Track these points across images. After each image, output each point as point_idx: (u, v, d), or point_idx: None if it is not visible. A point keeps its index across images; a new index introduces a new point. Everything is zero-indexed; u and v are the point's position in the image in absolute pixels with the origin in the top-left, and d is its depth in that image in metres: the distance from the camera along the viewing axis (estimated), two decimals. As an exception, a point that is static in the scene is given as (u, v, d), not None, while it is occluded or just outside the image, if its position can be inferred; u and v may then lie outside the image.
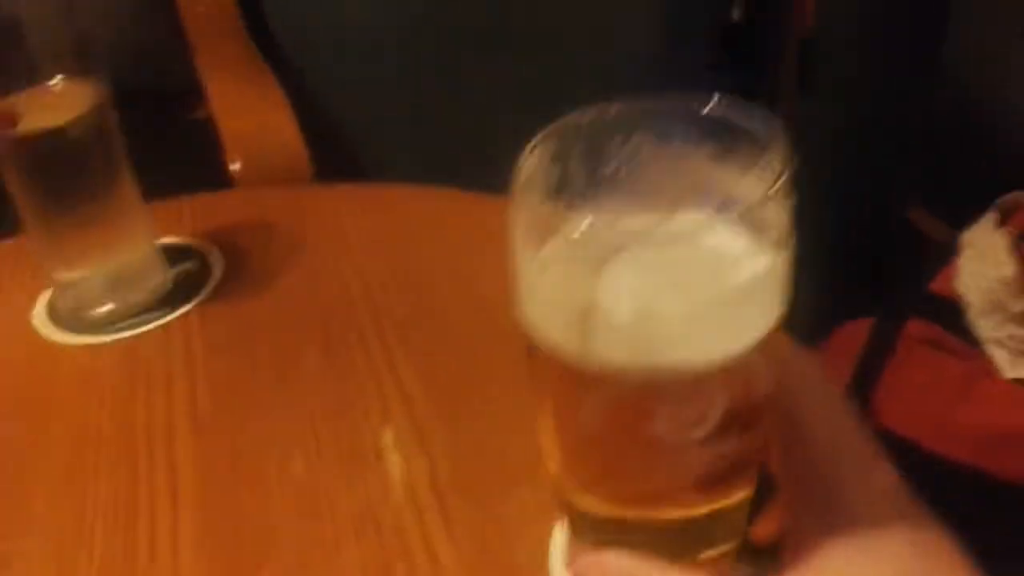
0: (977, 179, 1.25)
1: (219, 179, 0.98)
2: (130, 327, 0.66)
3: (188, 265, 0.71)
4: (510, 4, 1.60)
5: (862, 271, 1.39)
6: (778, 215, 0.34)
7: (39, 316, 0.68)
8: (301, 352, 0.62)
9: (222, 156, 1.00)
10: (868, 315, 1.02)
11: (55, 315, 0.67)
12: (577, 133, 0.37)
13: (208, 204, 0.79)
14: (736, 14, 1.77)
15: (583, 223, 0.35)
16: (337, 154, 1.54)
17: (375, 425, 0.56)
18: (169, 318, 0.66)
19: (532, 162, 0.36)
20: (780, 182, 0.33)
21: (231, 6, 1.31)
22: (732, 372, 0.34)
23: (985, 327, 0.88)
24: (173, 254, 0.71)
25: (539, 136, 0.36)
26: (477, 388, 0.57)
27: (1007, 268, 0.87)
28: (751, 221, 0.33)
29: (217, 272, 0.70)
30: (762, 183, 0.34)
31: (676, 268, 0.33)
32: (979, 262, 0.89)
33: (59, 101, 0.60)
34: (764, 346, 0.34)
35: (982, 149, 1.25)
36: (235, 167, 0.97)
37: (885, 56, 1.15)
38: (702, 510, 0.38)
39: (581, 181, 0.37)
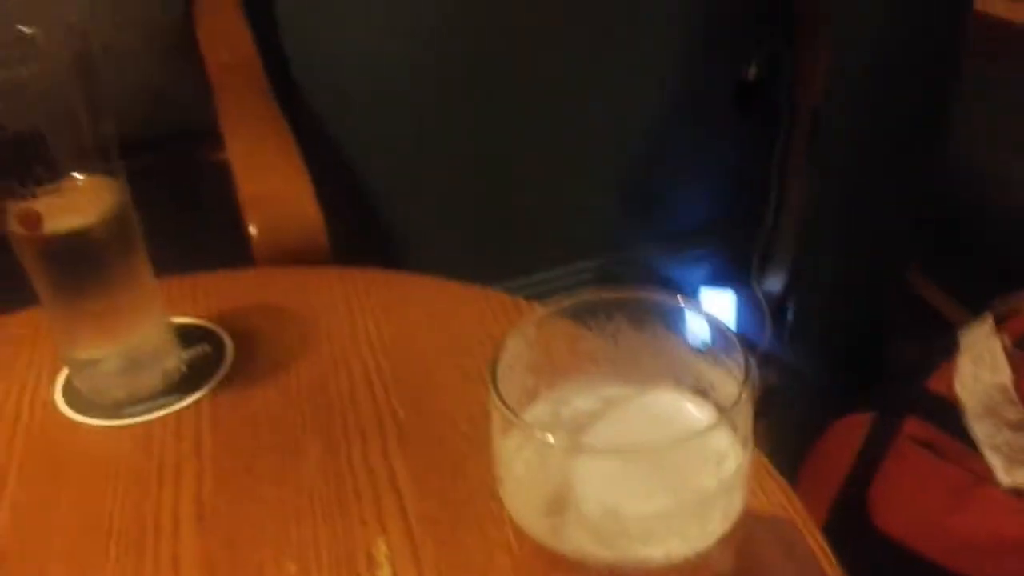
0: (979, 248, 1.27)
1: (233, 225, 1.01)
2: (144, 412, 0.68)
3: (201, 348, 0.74)
4: (536, 64, 1.63)
5: (862, 335, 1.41)
6: (746, 417, 0.36)
7: (56, 394, 0.71)
8: (304, 448, 0.64)
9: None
10: (866, 388, 1.03)
11: (70, 394, 0.70)
12: (557, 318, 0.40)
13: (223, 283, 0.82)
14: (752, 74, 1.80)
15: (556, 410, 0.37)
16: (359, 221, 1.57)
17: (370, 533, 0.58)
18: (182, 404, 0.69)
19: (509, 349, 0.38)
20: (748, 387, 0.35)
21: (254, 58, 1.34)
22: (697, 564, 0.36)
23: (981, 431, 0.90)
24: (187, 335, 0.74)
25: (517, 326, 0.39)
26: (470, 504, 0.59)
27: (1003, 375, 0.89)
28: (724, 421, 0.36)
29: (229, 356, 0.73)
30: (734, 381, 0.37)
31: (645, 467, 0.36)
32: (976, 366, 0.91)
33: (82, 199, 0.63)
34: (728, 539, 0.37)
35: (983, 219, 1.26)
36: (253, 231, 1.00)
37: (890, 129, 1.17)
38: None
39: (563, 364, 0.40)
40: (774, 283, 1.88)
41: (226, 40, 1.34)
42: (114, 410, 0.68)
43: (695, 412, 0.39)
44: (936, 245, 1.25)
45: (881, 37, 1.06)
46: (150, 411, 0.68)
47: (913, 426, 0.95)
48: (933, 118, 1.08)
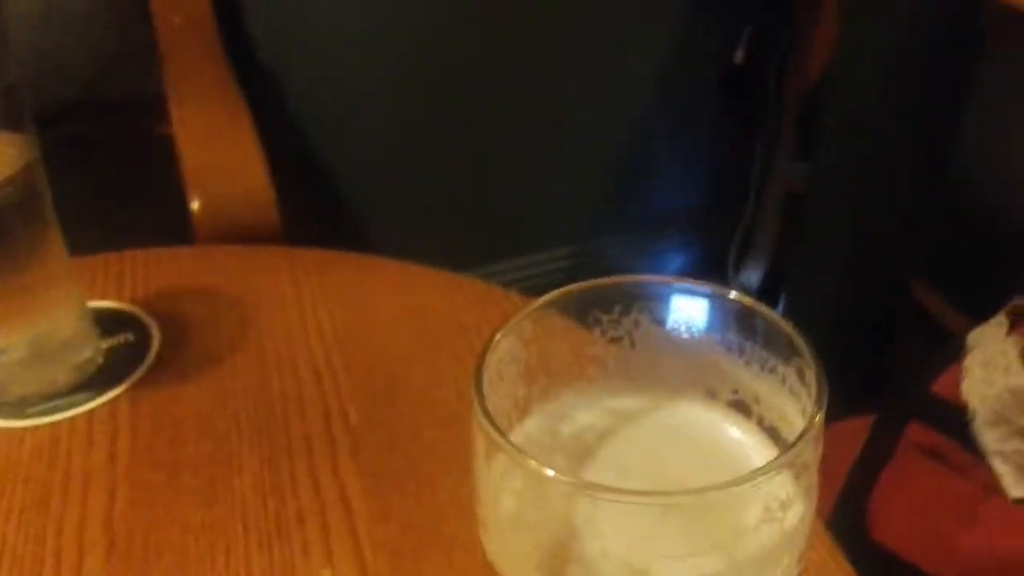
0: (982, 256, 1.20)
1: (181, 205, 0.91)
2: (50, 411, 0.58)
3: (123, 337, 0.64)
4: (511, 44, 1.54)
5: (863, 344, 1.34)
6: (815, 451, 0.27)
7: (-52, 388, 0.60)
8: (239, 460, 0.55)
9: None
10: (867, 395, 0.96)
11: (-33, 390, 0.60)
12: (557, 311, 0.30)
13: (154, 262, 0.71)
14: (739, 57, 1.71)
15: (558, 432, 0.28)
16: (310, 202, 1.47)
17: (314, 564, 0.49)
18: (95, 403, 0.59)
19: (500, 351, 0.29)
20: (821, 410, 0.26)
21: (209, 21, 1.24)
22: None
23: (990, 439, 0.82)
24: (108, 322, 0.64)
25: (512, 320, 0.29)
26: (435, 529, 0.50)
27: (1017, 378, 0.81)
28: (786, 459, 0.26)
29: (154, 348, 0.63)
30: (792, 399, 0.27)
31: (680, 515, 0.26)
32: (987, 368, 0.84)
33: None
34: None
35: (987, 226, 1.19)
36: (194, 206, 0.90)
37: (896, 119, 1.09)
38: None
39: (563, 369, 0.31)
40: (751, 277, 1.80)
41: (180, 2, 1.23)
42: (15, 409, 0.58)
43: (735, 434, 0.30)
44: (939, 251, 1.18)
45: (894, 24, 0.98)
46: (57, 411, 0.58)
47: (916, 432, 0.88)
48: (943, 115, 1.00)
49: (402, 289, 0.69)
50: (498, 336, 0.28)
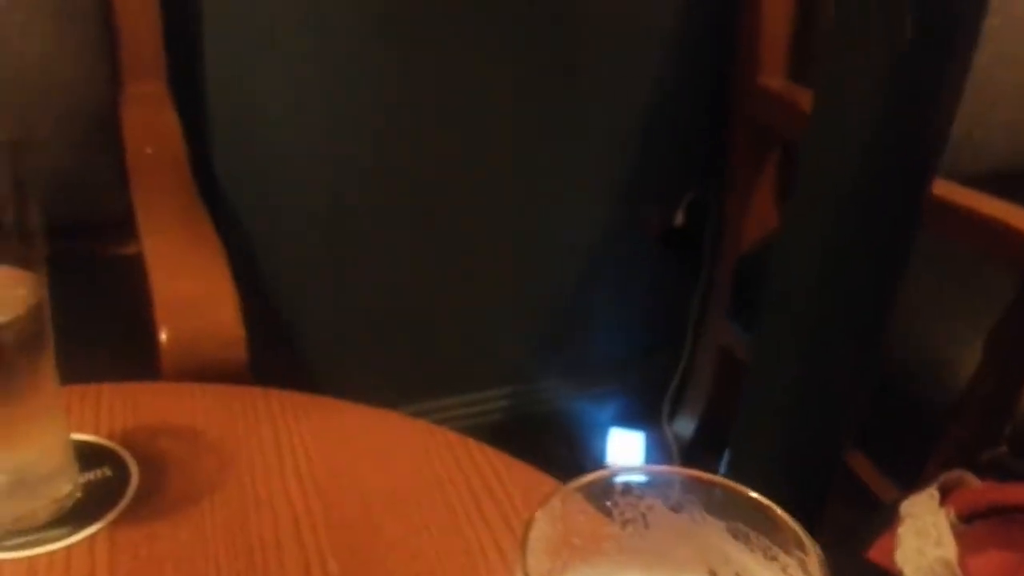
0: (912, 429, 1.26)
1: (141, 327, 0.92)
2: (26, 545, 0.58)
3: (101, 471, 0.64)
4: (463, 188, 1.61)
5: (798, 508, 1.38)
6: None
7: (-77, 515, 0.60)
8: (218, 604, 0.56)
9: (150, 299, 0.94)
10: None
11: (-58, 517, 0.60)
12: (587, 489, 0.34)
13: (131, 396, 0.73)
14: (679, 218, 1.81)
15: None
16: (273, 337, 1.50)
17: None
18: (73, 539, 0.59)
19: (536, 529, 0.32)
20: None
21: (180, 153, 1.27)
22: None
23: (923, 607, 0.86)
24: (86, 456, 0.65)
25: (547, 501, 0.33)
26: None
27: (948, 550, 0.86)
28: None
29: (133, 484, 0.63)
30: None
31: None
32: (919, 539, 0.88)
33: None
34: None
35: (913, 400, 1.26)
36: (163, 338, 0.91)
37: (835, 295, 1.17)
38: None
39: (583, 547, 0.34)
40: (685, 428, 1.86)
41: (153, 131, 1.26)
42: (-8, 541, 0.58)
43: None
44: (872, 421, 1.24)
45: (833, 205, 1.07)
46: (35, 545, 0.58)
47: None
48: (881, 293, 1.08)
49: (376, 435, 0.71)
50: (537, 515, 0.31)
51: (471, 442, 0.69)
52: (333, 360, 1.62)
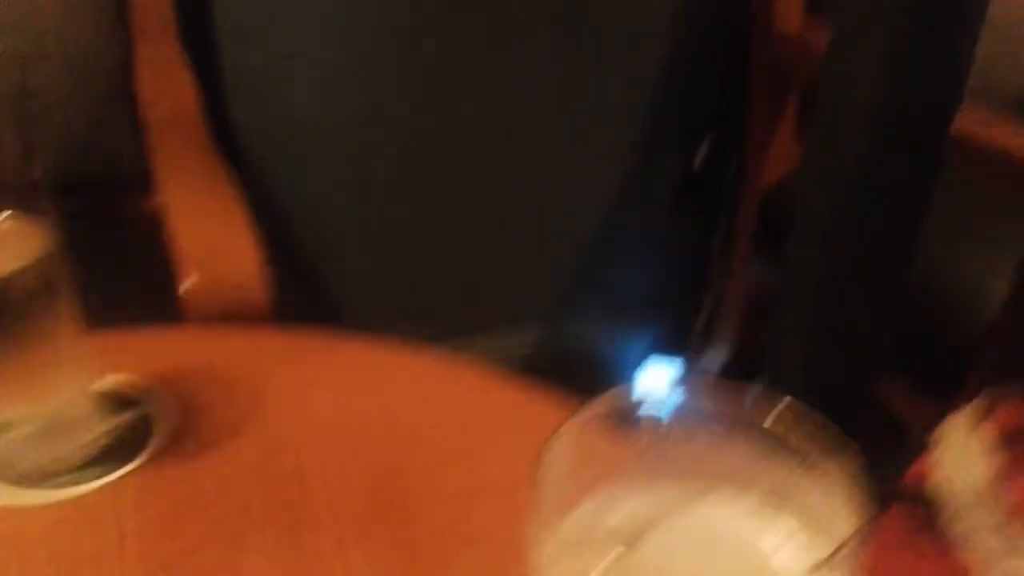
0: (953, 358, 1.24)
1: (165, 282, 0.92)
2: (59, 487, 0.59)
3: (129, 415, 0.64)
4: (487, 133, 1.59)
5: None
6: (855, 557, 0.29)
7: (-47, 463, 0.60)
8: (245, 544, 0.56)
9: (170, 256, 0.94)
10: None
11: (-27, 465, 0.60)
12: (616, 409, 0.33)
13: (157, 341, 0.73)
14: (698, 162, 1.79)
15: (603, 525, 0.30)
16: (299, 282, 1.50)
17: (326, 645, 0.50)
18: (103, 482, 0.59)
19: (556, 449, 0.31)
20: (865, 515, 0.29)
21: (195, 106, 1.27)
22: None
23: (959, 531, 0.85)
24: (114, 400, 0.65)
25: (569, 420, 0.32)
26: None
27: (982, 473, 0.84)
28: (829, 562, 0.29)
29: (161, 427, 0.64)
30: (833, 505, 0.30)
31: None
32: (954, 463, 0.87)
33: (6, 243, 0.54)
34: None
35: (954, 328, 1.24)
36: (186, 286, 0.91)
37: (860, 224, 1.15)
38: None
39: (607, 464, 0.33)
40: (714, 364, 1.85)
41: (167, 90, 1.25)
42: (23, 485, 0.59)
43: (766, 527, 0.32)
44: (904, 344, 1.22)
45: (854, 141, 1.04)
46: (64, 487, 0.59)
47: (887, 524, 0.90)
48: (910, 215, 1.05)
49: (403, 370, 0.71)
50: (557, 434, 0.31)
51: (500, 375, 0.69)
52: (359, 304, 1.61)
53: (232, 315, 0.86)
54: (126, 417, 0.64)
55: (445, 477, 0.60)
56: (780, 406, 0.31)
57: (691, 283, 1.84)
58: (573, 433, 0.32)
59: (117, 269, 1.16)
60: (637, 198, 1.76)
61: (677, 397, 0.33)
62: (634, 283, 1.87)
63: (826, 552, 0.29)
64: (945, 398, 1.14)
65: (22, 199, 0.55)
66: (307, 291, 1.56)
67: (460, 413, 0.66)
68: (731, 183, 1.72)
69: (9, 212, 0.54)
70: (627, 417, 0.33)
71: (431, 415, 0.66)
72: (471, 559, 0.54)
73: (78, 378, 0.62)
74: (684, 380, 0.33)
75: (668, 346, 1.89)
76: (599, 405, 0.33)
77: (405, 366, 0.71)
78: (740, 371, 1.76)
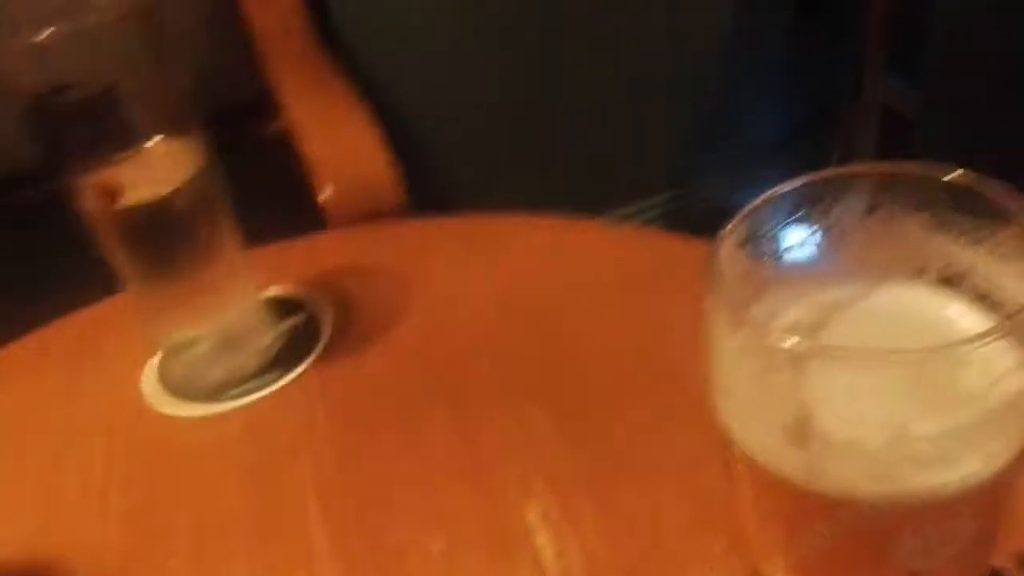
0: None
1: (300, 202, 0.95)
2: (247, 392, 0.62)
3: (296, 319, 0.67)
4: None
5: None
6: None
7: (148, 383, 0.65)
8: (426, 413, 0.58)
9: (300, 176, 0.97)
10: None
11: (164, 383, 0.64)
12: (777, 207, 0.32)
13: (307, 249, 0.75)
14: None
15: (783, 309, 0.30)
16: (425, 177, 1.51)
17: (517, 495, 0.52)
18: (285, 380, 0.63)
19: (729, 243, 0.31)
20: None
21: (300, 16, 1.27)
22: (994, 486, 0.29)
23: None
24: (279, 307, 0.68)
25: (736, 217, 0.32)
26: (627, 451, 0.53)
27: None
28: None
29: (327, 325, 0.66)
30: (1013, 273, 0.29)
31: (918, 378, 0.28)
32: None
33: (161, 166, 0.56)
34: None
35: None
36: (324, 195, 0.93)
37: (1001, 31, 1.06)
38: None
39: (775, 263, 0.33)
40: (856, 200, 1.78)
41: (276, 12, 1.26)
42: (213, 394, 0.63)
43: (949, 306, 0.31)
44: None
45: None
46: (252, 391, 0.62)
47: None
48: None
49: (535, 240, 0.71)
50: (725, 231, 0.31)
51: (648, 232, 0.68)
52: (486, 189, 1.62)
53: (370, 215, 0.88)
54: (293, 321, 0.67)
55: (608, 334, 0.61)
56: (948, 177, 0.30)
57: (818, 120, 1.77)
58: (742, 229, 0.32)
59: (254, 194, 1.20)
60: (754, 35, 1.69)
61: (837, 188, 0.32)
62: (761, 127, 1.81)
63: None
64: None
65: (172, 119, 0.56)
66: (436, 184, 1.58)
67: (613, 272, 0.66)
68: (853, 6, 1.63)
69: (160, 136, 0.56)
70: (794, 211, 0.33)
71: (586, 279, 0.66)
72: (651, 414, 0.55)
73: (246, 290, 0.65)
74: (839, 169, 0.32)
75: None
76: (765, 197, 0.32)
77: (551, 238, 0.72)
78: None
